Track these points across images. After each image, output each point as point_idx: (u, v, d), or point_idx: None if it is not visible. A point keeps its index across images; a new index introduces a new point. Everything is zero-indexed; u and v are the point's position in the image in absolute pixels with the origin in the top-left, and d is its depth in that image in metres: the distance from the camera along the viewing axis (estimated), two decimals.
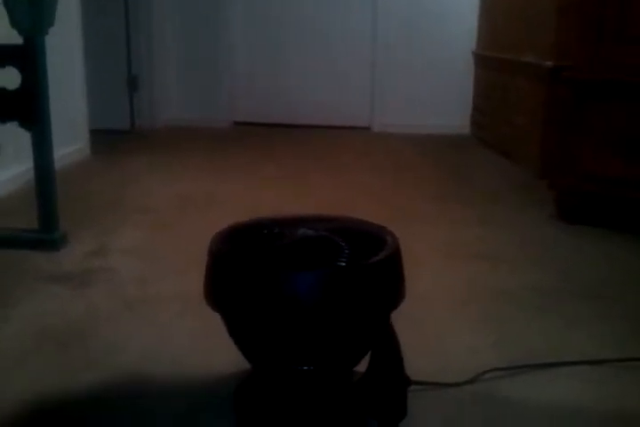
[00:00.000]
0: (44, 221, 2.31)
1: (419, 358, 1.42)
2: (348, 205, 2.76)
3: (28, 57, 2.18)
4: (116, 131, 4.60)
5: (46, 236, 2.30)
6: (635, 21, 2.39)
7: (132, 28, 4.68)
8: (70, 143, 3.59)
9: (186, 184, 3.25)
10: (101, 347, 1.61)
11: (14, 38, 2.17)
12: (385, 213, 2.62)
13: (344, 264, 1.15)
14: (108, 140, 4.27)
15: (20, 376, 1.48)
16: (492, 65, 4.32)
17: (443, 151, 4.24)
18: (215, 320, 1.24)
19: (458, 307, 1.87)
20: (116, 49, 4.65)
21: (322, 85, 4.94)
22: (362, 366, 1.28)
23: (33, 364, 1.53)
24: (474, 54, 4.68)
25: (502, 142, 4.03)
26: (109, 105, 4.57)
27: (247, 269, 1.15)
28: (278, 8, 4.87)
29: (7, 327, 1.71)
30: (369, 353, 1.26)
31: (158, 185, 3.23)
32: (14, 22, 2.12)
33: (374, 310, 1.18)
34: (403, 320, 1.27)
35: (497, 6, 4.25)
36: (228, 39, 4.89)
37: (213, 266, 1.21)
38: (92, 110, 3.96)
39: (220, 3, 4.82)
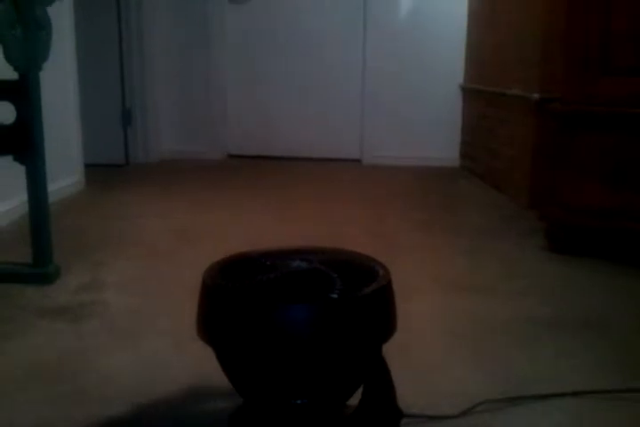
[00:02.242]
0: (37, 254, 2.32)
1: (411, 391, 1.43)
2: (338, 237, 2.78)
3: (23, 92, 2.21)
4: (110, 165, 4.64)
5: (39, 269, 2.30)
6: (618, 53, 2.45)
7: (125, 62, 4.75)
8: (65, 177, 3.61)
9: (180, 217, 3.27)
10: (94, 381, 1.61)
11: (8, 72, 2.20)
12: (375, 244, 2.65)
13: (336, 297, 1.17)
14: (103, 173, 4.30)
15: (9, 410, 1.47)
16: (480, 98, 4.39)
17: (432, 183, 4.28)
18: (208, 354, 1.25)
19: (448, 338, 1.88)
20: (111, 83, 4.70)
21: (313, 119, 5.00)
22: (354, 399, 1.28)
23: (24, 398, 1.53)
24: (461, 88, 4.75)
25: (491, 174, 4.08)
26: (104, 139, 4.61)
27: (239, 302, 1.16)
28: (271, 41, 4.95)
29: None
30: (361, 386, 1.26)
31: (152, 218, 3.25)
32: (9, 58, 2.15)
33: (366, 342, 1.19)
34: (394, 352, 1.28)
35: (483, 40, 4.34)
36: (222, 74, 4.96)
37: (205, 299, 1.22)
38: (86, 144, 3.99)
39: (212, 40, 4.90)
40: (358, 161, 5.00)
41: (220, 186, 4.07)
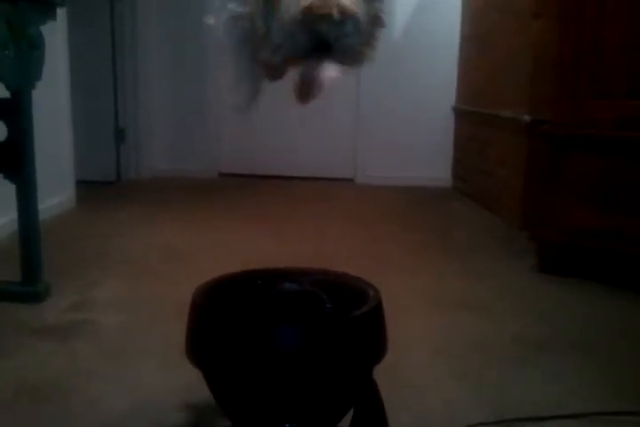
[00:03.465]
0: (26, 272, 2.30)
1: (401, 413, 1.42)
2: (329, 256, 2.77)
3: (15, 111, 2.21)
4: (101, 182, 4.63)
5: (29, 288, 2.29)
6: (608, 77, 2.47)
7: (119, 80, 4.77)
8: (56, 194, 3.60)
9: (170, 235, 3.26)
10: (83, 401, 1.59)
11: (1, 90, 2.20)
12: (366, 264, 2.64)
13: (326, 319, 1.16)
14: (94, 190, 4.30)
15: None
16: (472, 119, 4.42)
17: (424, 203, 4.29)
18: (197, 374, 1.24)
19: (439, 359, 1.87)
20: (104, 101, 4.72)
21: (307, 138, 5.02)
22: (345, 422, 1.27)
23: (10, 418, 1.51)
24: (453, 109, 4.79)
25: (483, 194, 4.10)
26: (96, 156, 4.62)
27: (228, 325, 1.15)
28: None
29: None
30: (352, 409, 1.25)
31: (143, 236, 3.24)
32: (1, 77, 2.15)
33: (357, 364, 1.18)
34: (384, 373, 1.28)
35: (475, 63, 4.38)
36: (215, 94, 4.98)
37: (194, 321, 1.22)
38: (78, 161, 3.99)
39: (208, 57, 4.92)
40: (351, 180, 5.01)
41: (212, 205, 4.07)
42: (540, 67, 3.22)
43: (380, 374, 1.25)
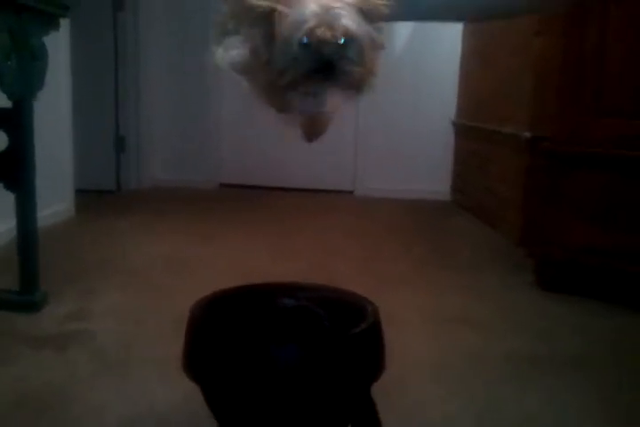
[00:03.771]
0: (24, 281, 2.29)
1: None
2: (328, 270, 2.77)
3: (16, 120, 2.21)
4: (101, 191, 4.64)
5: (27, 297, 2.28)
6: (611, 94, 2.48)
7: (120, 90, 4.78)
8: (55, 203, 3.60)
9: (170, 246, 3.26)
10: (81, 412, 1.58)
11: (2, 100, 2.20)
12: (364, 279, 2.64)
13: (324, 335, 1.16)
14: (94, 199, 4.30)
15: None
16: (472, 134, 4.43)
17: (423, 216, 4.29)
18: (194, 386, 1.23)
19: (436, 374, 1.87)
20: (105, 111, 4.74)
21: (307, 150, 5.00)
22: None
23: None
24: (453, 124, 4.80)
25: (482, 209, 4.10)
26: (96, 165, 4.62)
27: (226, 341, 1.15)
28: None
29: None
30: (349, 425, 1.25)
31: (142, 246, 3.23)
32: (3, 87, 2.15)
33: (355, 382, 1.18)
34: (381, 388, 1.27)
35: (476, 78, 4.40)
36: (217, 104, 4.99)
37: (192, 335, 1.21)
38: (78, 170, 3.99)
39: (209, 70, 4.93)
40: (351, 193, 5.01)
41: (212, 216, 4.07)
42: (540, 83, 3.24)
43: (378, 389, 1.25)
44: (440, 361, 1.97)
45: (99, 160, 4.69)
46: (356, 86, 0.94)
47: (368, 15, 0.92)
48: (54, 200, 3.57)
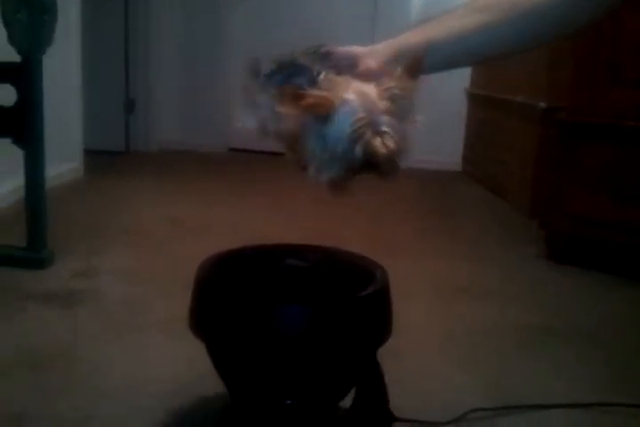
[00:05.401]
0: (31, 238, 2.29)
1: (402, 395, 1.40)
2: (333, 237, 2.74)
3: (25, 75, 2.19)
4: (110, 152, 4.61)
5: (33, 254, 2.28)
6: (627, 65, 2.43)
7: (131, 51, 4.73)
8: (64, 162, 3.58)
9: (178, 207, 3.24)
10: (83, 370, 1.59)
11: (12, 54, 2.18)
12: (370, 247, 2.60)
13: (332, 297, 1.15)
14: (102, 160, 4.27)
15: None
16: (485, 104, 4.37)
17: (433, 186, 4.25)
18: (201, 347, 1.23)
19: (443, 344, 1.86)
20: (115, 71, 4.69)
21: None
22: (346, 401, 1.26)
23: (9, 385, 1.51)
24: (467, 92, 4.73)
25: (493, 180, 4.06)
26: (105, 126, 4.59)
27: (232, 300, 1.14)
28: (278, 40, 4.93)
29: None
30: (354, 388, 1.24)
31: (150, 207, 3.22)
32: (13, 41, 2.13)
33: (361, 345, 1.17)
34: (387, 355, 1.26)
35: None
36: (228, 67, 4.93)
37: (199, 294, 1.20)
38: (87, 131, 3.97)
39: (220, 31, 4.88)
40: None
41: (220, 179, 4.05)
42: (557, 52, 3.17)
43: (384, 355, 1.24)
44: (445, 330, 1.96)
45: (108, 121, 4.66)
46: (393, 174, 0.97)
47: (399, 100, 0.97)
48: (63, 159, 3.55)
